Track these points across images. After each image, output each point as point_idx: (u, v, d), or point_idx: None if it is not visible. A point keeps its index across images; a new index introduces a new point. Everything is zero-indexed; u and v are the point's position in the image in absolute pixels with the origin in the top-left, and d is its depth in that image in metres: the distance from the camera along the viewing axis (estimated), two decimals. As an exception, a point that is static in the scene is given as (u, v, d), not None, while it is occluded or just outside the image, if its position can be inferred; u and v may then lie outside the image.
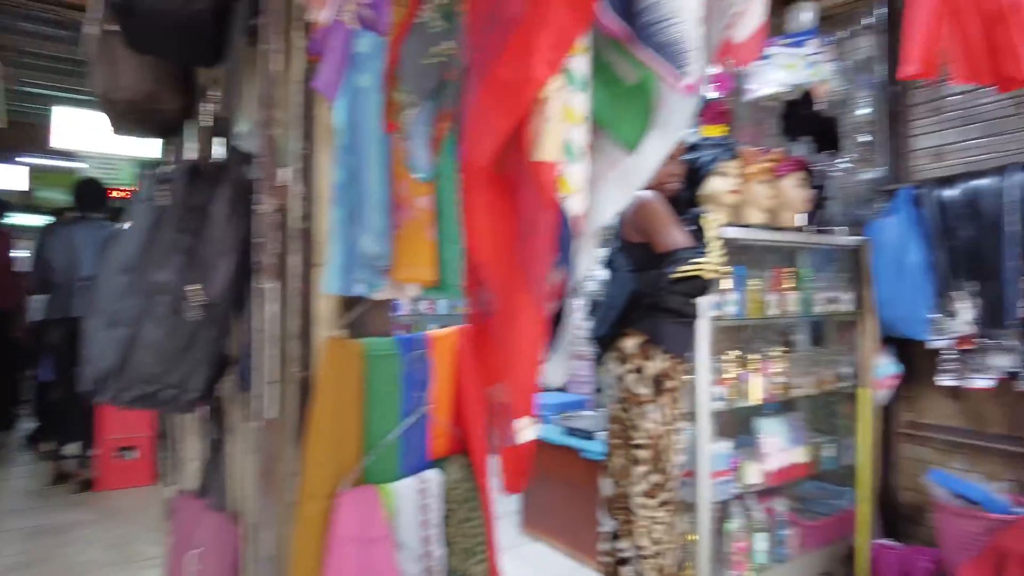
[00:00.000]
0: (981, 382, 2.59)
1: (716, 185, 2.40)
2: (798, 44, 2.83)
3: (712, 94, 2.94)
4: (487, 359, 0.80)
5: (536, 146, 0.72)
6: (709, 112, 2.80)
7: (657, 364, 1.95)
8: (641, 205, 1.99)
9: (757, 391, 2.47)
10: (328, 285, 1.25)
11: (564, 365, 0.98)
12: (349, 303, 1.43)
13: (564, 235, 0.75)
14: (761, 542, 2.51)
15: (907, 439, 2.99)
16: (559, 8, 0.66)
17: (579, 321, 0.97)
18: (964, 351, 2.64)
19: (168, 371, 1.36)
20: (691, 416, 2.31)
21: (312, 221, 1.43)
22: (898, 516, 3.00)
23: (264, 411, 1.48)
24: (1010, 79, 1.95)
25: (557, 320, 0.92)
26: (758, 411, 2.68)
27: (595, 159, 0.90)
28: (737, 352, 2.47)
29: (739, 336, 2.92)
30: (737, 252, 2.69)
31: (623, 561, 2.01)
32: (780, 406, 2.81)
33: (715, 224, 1.96)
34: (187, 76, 1.87)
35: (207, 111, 1.98)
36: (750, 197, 2.50)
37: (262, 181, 1.50)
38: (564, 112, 0.74)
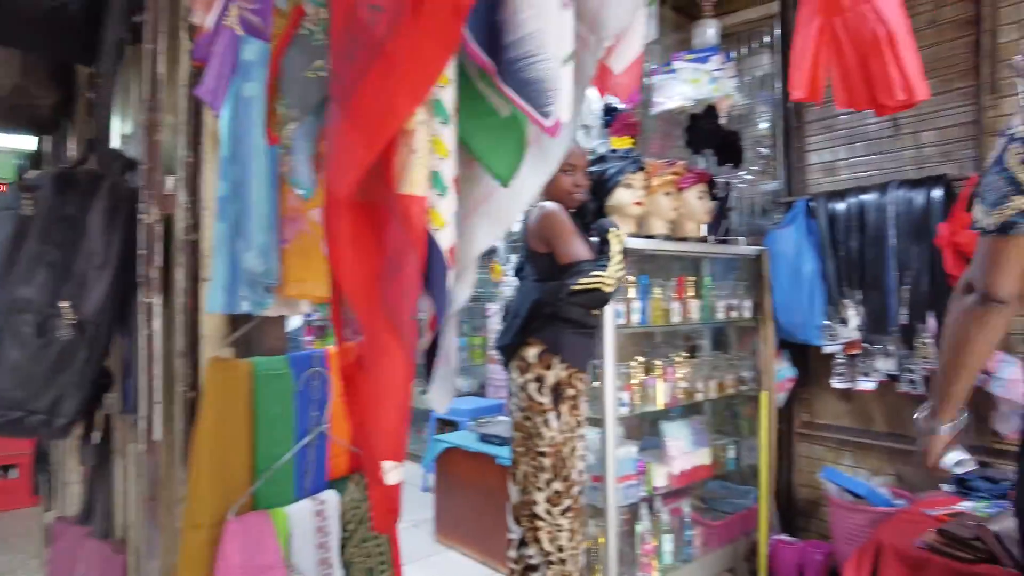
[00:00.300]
0: (867, 384, 2.76)
1: (622, 196, 2.45)
2: (702, 60, 2.94)
3: (620, 106, 3.01)
4: (354, 398, 0.77)
5: (402, 179, 0.71)
6: (617, 124, 2.86)
7: (556, 373, 1.98)
8: (545, 216, 2.01)
9: (662, 396, 2.54)
10: (211, 303, 1.19)
11: (447, 392, 0.97)
12: (240, 319, 1.36)
13: (437, 268, 0.74)
14: (668, 543, 2.58)
15: (803, 438, 3.16)
16: (424, 36, 0.64)
17: (455, 345, 0.96)
18: (852, 355, 2.80)
19: (34, 396, 1.26)
20: (598, 422, 2.35)
21: (199, 233, 1.36)
22: (795, 512, 3.16)
23: (149, 433, 1.40)
24: (883, 106, 2.09)
25: (435, 347, 0.91)
26: (663, 415, 2.76)
27: (470, 190, 0.89)
28: (642, 358, 2.54)
29: (644, 343, 3.00)
30: (642, 261, 2.76)
31: (531, 568, 2.02)
32: (684, 410, 2.91)
33: (620, 240, 2.00)
34: (64, 71, 1.74)
35: (86, 112, 1.85)
36: (655, 208, 2.57)
37: (145, 189, 1.41)
38: (431, 144, 0.72)
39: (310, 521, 1.32)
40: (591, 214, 2.30)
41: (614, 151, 2.59)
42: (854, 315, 2.78)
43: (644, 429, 3.05)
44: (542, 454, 1.98)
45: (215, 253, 1.18)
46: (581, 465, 2.05)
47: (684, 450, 2.69)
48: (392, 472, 0.74)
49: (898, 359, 2.66)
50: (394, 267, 0.70)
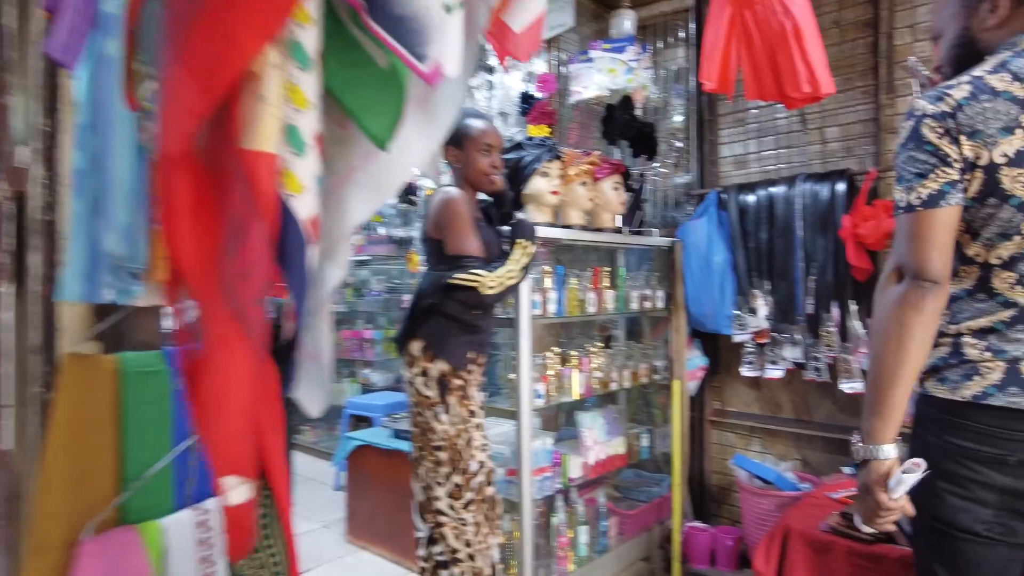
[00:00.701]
0: (774, 372, 2.83)
1: (539, 185, 2.40)
2: (619, 50, 2.92)
3: (538, 95, 2.96)
4: (195, 400, 0.66)
5: (247, 132, 0.59)
6: (534, 112, 2.81)
7: (440, 365, 1.90)
8: (443, 201, 1.92)
9: (577, 386, 2.51)
10: (66, 291, 1.03)
11: (318, 394, 0.87)
12: (105, 310, 1.21)
13: (293, 243, 0.63)
14: (583, 535, 2.56)
15: (714, 426, 3.22)
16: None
17: (327, 338, 0.85)
18: (761, 344, 2.87)
19: None
20: (513, 414, 2.30)
21: (57, 212, 1.20)
22: (707, 498, 3.22)
23: (-1, 440, 1.23)
24: (791, 98, 2.13)
25: (294, 343, 0.80)
26: (579, 406, 2.74)
27: (342, 153, 0.79)
28: (558, 349, 2.50)
29: (560, 333, 2.98)
30: (559, 252, 2.72)
31: (440, 565, 1.95)
32: (599, 399, 2.90)
33: (526, 252, 1.93)
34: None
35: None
36: (571, 198, 2.53)
37: (-7, 162, 1.23)
38: (287, 93, 0.62)
39: (190, 534, 1.19)
40: (510, 203, 2.23)
41: (531, 139, 2.53)
42: (763, 305, 2.84)
43: (560, 420, 3.03)
44: (438, 448, 1.90)
45: (72, 235, 1.03)
46: (481, 456, 1.97)
47: (599, 440, 2.68)
48: (235, 490, 0.63)
49: (804, 347, 2.74)
50: (235, 239, 0.58)
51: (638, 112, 3.00)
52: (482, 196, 2.14)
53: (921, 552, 1.26)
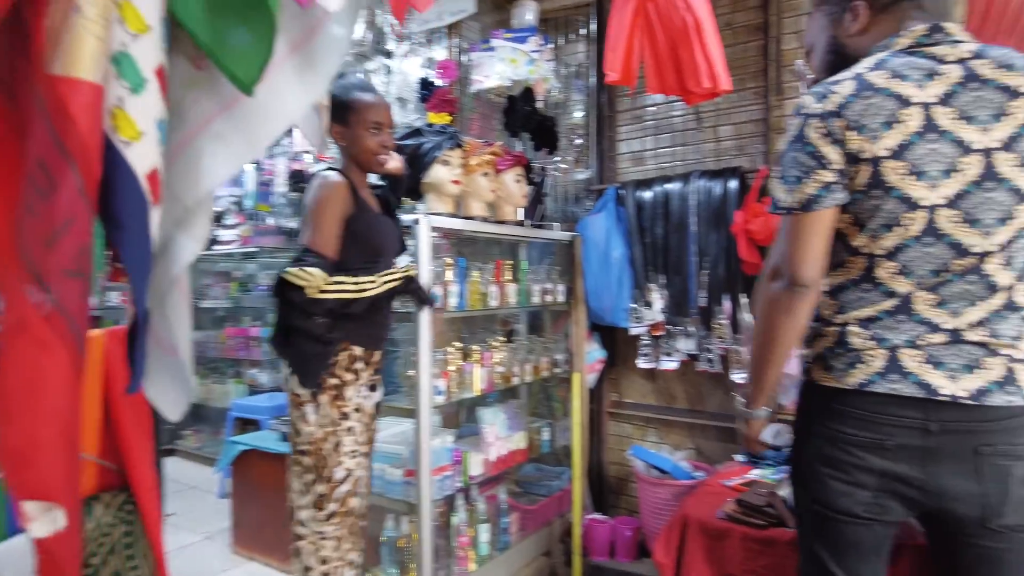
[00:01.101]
0: (669, 364, 2.90)
1: (440, 173, 2.32)
2: (521, 40, 2.89)
3: (438, 81, 2.87)
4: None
5: (55, 53, 0.45)
6: (434, 99, 2.72)
7: None
8: (317, 186, 1.75)
9: (479, 382, 2.45)
10: None
11: (176, 392, 0.74)
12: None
13: (128, 201, 0.50)
14: (484, 533, 2.51)
15: (612, 417, 3.26)
16: None
17: (185, 325, 0.71)
18: (656, 337, 2.93)
19: None
20: (411, 413, 2.21)
21: None
22: (606, 490, 3.26)
23: None
24: (692, 92, 2.16)
25: (136, 332, 0.65)
26: (480, 401, 2.68)
27: (197, 97, 0.66)
28: (459, 344, 2.43)
29: (462, 328, 2.91)
30: (460, 244, 2.65)
31: None
32: (500, 394, 2.86)
33: (395, 279, 1.81)
34: None
35: None
36: (474, 188, 2.47)
37: None
38: (117, 11, 0.48)
39: (27, 561, 1.02)
40: (403, 188, 2.12)
41: (431, 126, 2.44)
42: (658, 298, 2.90)
43: (461, 417, 2.97)
44: (302, 452, 1.73)
45: None
46: (350, 463, 1.77)
47: (500, 436, 2.64)
48: (40, 520, 0.49)
49: (697, 339, 2.82)
50: (38, 192, 0.45)
51: (539, 105, 2.98)
52: (375, 179, 2.01)
53: (803, 534, 1.31)
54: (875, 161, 1.13)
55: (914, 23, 1.19)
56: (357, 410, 1.79)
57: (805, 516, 1.30)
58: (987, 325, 1.14)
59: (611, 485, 3.27)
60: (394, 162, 1.95)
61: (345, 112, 1.82)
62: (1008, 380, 1.13)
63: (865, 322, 1.19)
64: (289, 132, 4.00)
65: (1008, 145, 1.10)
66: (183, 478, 4.41)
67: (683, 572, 1.89)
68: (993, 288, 1.13)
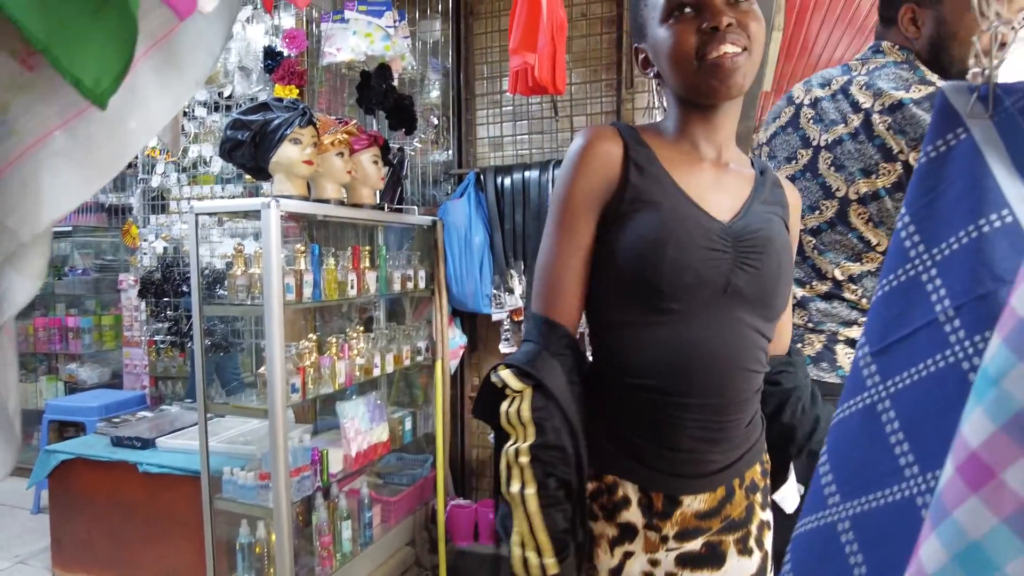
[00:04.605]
0: (529, 347, 2.95)
1: (290, 152, 2.16)
2: (376, 14, 2.75)
3: (285, 51, 2.67)
4: None
5: None
6: (281, 71, 2.52)
7: None
8: None
9: (338, 375, 2.34)
10: None
11: (7, 448, 0.60)
12: None
13: None
14: (346, 530, 2.42)
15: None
16: None
17: (13, 378, 0.59)
18: (518, 322, 2.96)
19: None
20: (264, 413, 2.05)
21: None
22: (468, 474, 3.27)
23: None
24: (542, 88, 2.16)
25: None
26: (339, 395, 2.56)
27: (30, 106, 0.52)
28: (315, 336, 2.30)
29: (317, 319, 2.77)
30: (314, 228, 2.50)
31: None
32: (361, 387, 2.76)
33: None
34: None
35: None
36: (326, 169, 2.32)
37: None
38: None
39: None
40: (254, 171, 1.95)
41: (278, 100, 2.26)
42: (519, 284, 2.93)
43: (316, 411, 2.83)
44: None
45: None
46: None
47: (361, 430, 2.54)
48: None
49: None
50: None
51: (395, 83, 2.86)
52: None
53: None
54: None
55: None
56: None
57: None
58: None
59: (473, 469, 3.28)
60: None
61: None
62: None
63: None
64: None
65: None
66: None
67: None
68: None
